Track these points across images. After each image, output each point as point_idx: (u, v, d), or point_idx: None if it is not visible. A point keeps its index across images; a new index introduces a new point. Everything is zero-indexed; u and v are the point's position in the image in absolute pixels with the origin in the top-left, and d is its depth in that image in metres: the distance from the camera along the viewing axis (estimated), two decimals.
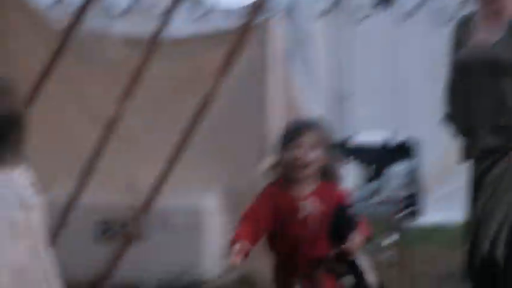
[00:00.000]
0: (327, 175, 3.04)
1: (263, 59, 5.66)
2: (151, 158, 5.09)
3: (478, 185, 4.21)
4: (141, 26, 6.46)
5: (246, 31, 5.27)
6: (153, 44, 5.04)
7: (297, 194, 2.98)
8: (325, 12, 7.83)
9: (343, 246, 2.91)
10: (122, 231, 5.25)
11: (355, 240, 2.92)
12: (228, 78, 5.33)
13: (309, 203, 2.97)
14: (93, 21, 5.63)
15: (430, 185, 6.10)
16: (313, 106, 6.73)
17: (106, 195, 5.32)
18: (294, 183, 2.98)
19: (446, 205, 7.14)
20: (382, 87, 7.75)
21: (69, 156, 5.20)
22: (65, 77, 5.37)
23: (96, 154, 4.99)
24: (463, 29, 4.68)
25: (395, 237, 5.62)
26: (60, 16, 5.95)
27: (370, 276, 3.04)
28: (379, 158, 5.70)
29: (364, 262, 3.10)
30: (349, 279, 3.01)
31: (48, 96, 5.16)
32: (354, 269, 3.02)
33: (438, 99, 4.54)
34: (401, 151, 5.59)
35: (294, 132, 3.00)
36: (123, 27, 6.68)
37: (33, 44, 5.58)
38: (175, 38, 5.72)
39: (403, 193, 5.48)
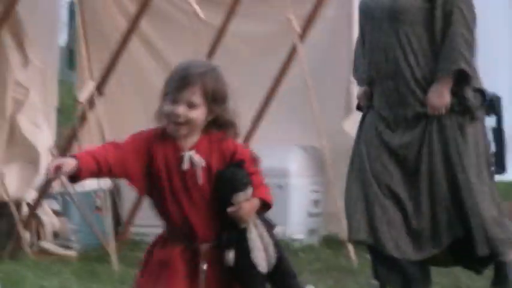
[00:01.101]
0: (220, 127, 2.56)
1: (348, 16, 5.76)
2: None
3: (390, 129, 4.93)
4: None
5: None
6: (234, 3, 5.17)
7: (179, 144, 2.56)
8: None
9: (228, 209, 2.44)
10: None
11: (246, 203, 2.43)
12: (312, 37, 5.42)
13: (193, 155, 2.49)
14: None
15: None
16: None
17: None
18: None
19: None
20: None
21: (149, 106, 5.43)
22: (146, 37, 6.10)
23: None
24: None
25: None
26: None
27: (260, 256, 2.46)
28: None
29: (257, 236, 2.52)
30: (230, 255, 2.45)
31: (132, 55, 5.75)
32: (239, 242, 2.47)
33: None
34: (487, 108, 5.51)
35: (178, 82, 2.55)
36: None
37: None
38: None
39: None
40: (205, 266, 2.38)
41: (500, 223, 4.77)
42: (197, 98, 2.43)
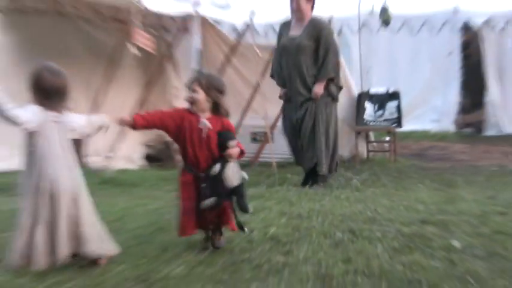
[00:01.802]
0: (216, 110, 4.38)
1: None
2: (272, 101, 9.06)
3: (296, 109, 7.52)
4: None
5: None
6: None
7: (199, 116, 4.31)
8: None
9: (227, 150, 4.24)
10: (262, 137, 9.75)
11: (235, 148, 4.27)
12: None
13: (205, 121, 4.28)
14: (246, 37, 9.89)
15: (405, 113, 10.65)
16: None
17: (256, 120, 9.68)
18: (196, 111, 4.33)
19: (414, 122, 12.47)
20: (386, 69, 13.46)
21: (238, 104, 9.49)
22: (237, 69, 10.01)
23: (250, 102, 9.73)
24: (284, 27, 7.80)
25: (390, 136, 10.18)
26: (230, 34, 10.50)
27: (231, 175, 4.26)
28: (383, 99, 10.10)
29: (231, 170, 4.28)
30: (217, 166, 4.23)
31: (230, 80, 9.17)
32: (223, 164, 4.22)
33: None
34: (393, 96, 10.04)
35: (189, 81, 4.41)
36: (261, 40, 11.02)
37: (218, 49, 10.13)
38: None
39: (394, 116, 9.94)
40: (203, 185, 4.21)
41: (326, 155, 7.65)
42: (196, 87, 4.27)
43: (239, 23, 10.83)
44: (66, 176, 4.19)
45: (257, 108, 9.80)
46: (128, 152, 9.66)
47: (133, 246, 4.77)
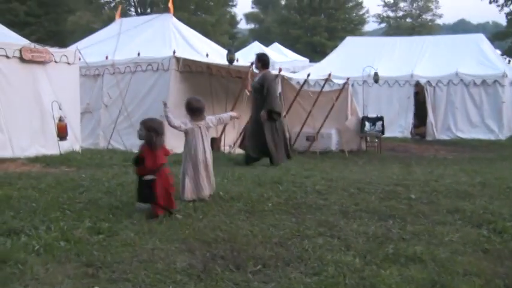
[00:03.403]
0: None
1: None
2: (318, 119, 18.56)
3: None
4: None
5: None
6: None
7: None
8: None
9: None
10: (311, 138, 18.75)
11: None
12: None
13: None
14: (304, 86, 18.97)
15: (386, 127, 19.51)
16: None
17: (308, 129, 18.59)
18: None
19: (390, 132, 21.13)
20: (376, 105, 22.16)
21: (299, 121, 18.74)
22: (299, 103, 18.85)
23: (305, 120, 18.68)
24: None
25: (378, 139, 19.13)
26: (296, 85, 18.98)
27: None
28: (374, 119, 18.83)
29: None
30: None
31: (295, 109, 18.33)
32: None
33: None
34: (379, 118, 18.77)
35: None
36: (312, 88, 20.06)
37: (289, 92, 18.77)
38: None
39: (380, 129, 18.74)
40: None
41: (276, 149, 12.61)
42: None
43: (300, 79, 19.27)
44: (202, 153, 8.12)
45: (309, 123, 18.61)
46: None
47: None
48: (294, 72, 21.65)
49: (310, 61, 38.31)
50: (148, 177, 6.81)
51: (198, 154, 8.03)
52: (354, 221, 7.18)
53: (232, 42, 57.47)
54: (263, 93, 12.33)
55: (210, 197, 8.10)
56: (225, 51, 17.91)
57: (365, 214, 7.45)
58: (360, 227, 6.88)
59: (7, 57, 13.53)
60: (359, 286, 4.96)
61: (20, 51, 13.68)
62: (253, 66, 13.67)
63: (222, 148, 16.06)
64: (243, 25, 78.45)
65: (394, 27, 74.37)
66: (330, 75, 18.03)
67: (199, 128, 8.07)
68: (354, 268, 5.36)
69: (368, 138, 19.27)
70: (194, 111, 8.17)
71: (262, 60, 12.99)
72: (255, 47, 37.59)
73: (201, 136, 8.11)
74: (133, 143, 15.09)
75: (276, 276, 5.22)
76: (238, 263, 5.55)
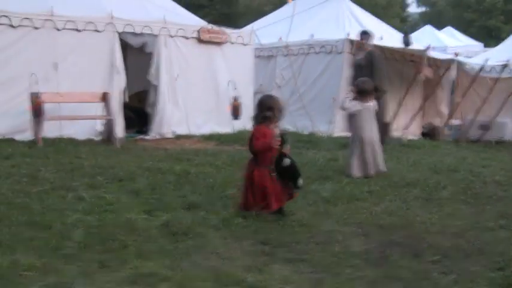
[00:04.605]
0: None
1: None
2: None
3: None
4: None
5: None
6: None
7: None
8: None
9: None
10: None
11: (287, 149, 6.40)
12: None
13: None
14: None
15: None
16: None
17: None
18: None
19: None
20: None
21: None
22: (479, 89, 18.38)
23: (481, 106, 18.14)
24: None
25: None
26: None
27: (287, 162, 6.36)
28: None
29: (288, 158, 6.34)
30: (286, 160, 6.32)
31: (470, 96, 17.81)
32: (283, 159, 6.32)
33: None
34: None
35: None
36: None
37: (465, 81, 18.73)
38: None
39: None
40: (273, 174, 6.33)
41: None
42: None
43: (475, 64, 18.25)
44: (369, 133, 8.78)
45: (484, 111, 17.75)
46: (414, 130, 17.65)
47: None
48: (468, 57, 20.71)
49: (485, 46, 36.69)
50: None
51: (366, 134, 8.66)
52: None
53: (404, 26, 56.35)
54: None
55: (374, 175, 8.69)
56: (399, 34, 17.65)
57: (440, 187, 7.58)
58: None
59: (186, 38, 14.22)
60: None
61: (198, 32, 14.25)
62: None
63: (393, 133, 15.88)
64: (414, 8, 76.63)
65: None
66: (508, 60, 16.94)
67: (368, 109, 8.66)
68: None
69: None
70: (363, 93, 8.76)
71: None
72: (427, 31, 36.54)
73: (368, 117, 8.71)
74: (305, 125, 15.28)
75: (457, 268, 5.05)
76: (417, 251, 5.45)
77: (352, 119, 8.87)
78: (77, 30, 12.50)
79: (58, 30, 12.30)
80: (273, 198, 6.20)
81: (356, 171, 8.74)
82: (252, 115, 6.50)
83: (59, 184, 7.46)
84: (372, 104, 8.87)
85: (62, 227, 5.55)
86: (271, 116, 6.18)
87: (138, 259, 4.83)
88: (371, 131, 8.84)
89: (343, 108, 8.93)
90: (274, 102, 6.43)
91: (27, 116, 11.44)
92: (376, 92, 10.91)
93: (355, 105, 8.73)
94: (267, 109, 6.22)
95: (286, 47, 17.04)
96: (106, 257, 4.85)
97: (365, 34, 12.85)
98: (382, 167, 8.98)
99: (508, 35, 25.94)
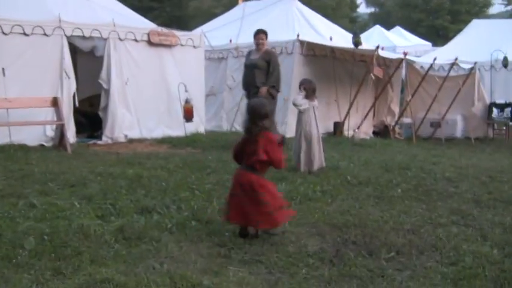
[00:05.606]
0: None
1: None
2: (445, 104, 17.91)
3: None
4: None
5: None
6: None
7: None
8: None
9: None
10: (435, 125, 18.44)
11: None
12: None
13: None
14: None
15: None
16: None
17: (434, 115, 18.51)
18: None
19: None
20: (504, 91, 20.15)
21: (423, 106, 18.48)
22: (424, 88, 18.84)
23: (430, 106, 18.37)
24: (249, 53, 12.09)
25: (506, 126, 18.41)
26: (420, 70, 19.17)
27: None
28: (502, 106, 18.21)
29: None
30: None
31: (420, 94, 18.52)
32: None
33: None
34: (509, 104, 18.27)
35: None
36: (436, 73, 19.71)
37: (414, 80, 19.03)
38: None
39: (509, 115, 18.25)
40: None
41: None
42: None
43: (424, 63, 18.79)
44: (316, 130, 9.17)
45: (434, 109, 18.13)
46: (365, 129, 17.68)
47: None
48: (417, 56, 21.01)
49: (433, 45, 37.26)
50: None
51: (314, 131, 9.15)
52: (488, 210, 7.09)
53: (353, 26, 56.83)
54: (268, 73, 11.71)
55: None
56: (348, 35, 17.81)
57: (499, 204, 7.38)
58: (495, 217, 6.74)
59: (136, 40, 14.09)
60: (500, 279, 4.78)
61: (148, 34, 14.15)
62: None
63: (345, 133, 16.17)
64: (363, 9, 77.42)
65: None
66: (456, 59, 17.37)
67: (315, 107, 9.23)
68: (492, 260, 5.18)
69: (495, 125, 18.55)
70: (314, 91, 9.28)
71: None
72: (376, 31, 36.93)
73: (315, 115, 9.27)
74: None
75: (411, 264, 5.15)
76: (371, 249, 5.51)
77: (301, 116, 9.30)
78: (25, 34, 12.29)
79: (5, 34, 12.06)
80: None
81: (304, 166, 9.23)
82: (245, 124, 5.80)
83: (9, 191, 7.31)
84: (316, 102, 9.38)
85: (13, 235, 5.43)
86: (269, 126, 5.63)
87: (92, 265, 4.79)
88: (317, 128, 9.30)
89: (296, 105, 9.23)
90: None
91: None
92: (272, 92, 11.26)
93: (306, 103, 9.17)
94: (263, 118, 5.58)
95: (237, 48, 17.05)
96: (59, 265, 4.79)
97: (263, 33, 12.21)
98: (323, 162, 9.45)
99: (455, 35, 26.40)
